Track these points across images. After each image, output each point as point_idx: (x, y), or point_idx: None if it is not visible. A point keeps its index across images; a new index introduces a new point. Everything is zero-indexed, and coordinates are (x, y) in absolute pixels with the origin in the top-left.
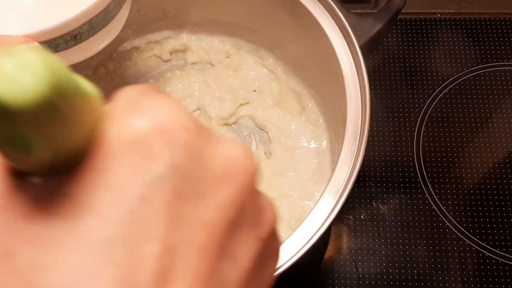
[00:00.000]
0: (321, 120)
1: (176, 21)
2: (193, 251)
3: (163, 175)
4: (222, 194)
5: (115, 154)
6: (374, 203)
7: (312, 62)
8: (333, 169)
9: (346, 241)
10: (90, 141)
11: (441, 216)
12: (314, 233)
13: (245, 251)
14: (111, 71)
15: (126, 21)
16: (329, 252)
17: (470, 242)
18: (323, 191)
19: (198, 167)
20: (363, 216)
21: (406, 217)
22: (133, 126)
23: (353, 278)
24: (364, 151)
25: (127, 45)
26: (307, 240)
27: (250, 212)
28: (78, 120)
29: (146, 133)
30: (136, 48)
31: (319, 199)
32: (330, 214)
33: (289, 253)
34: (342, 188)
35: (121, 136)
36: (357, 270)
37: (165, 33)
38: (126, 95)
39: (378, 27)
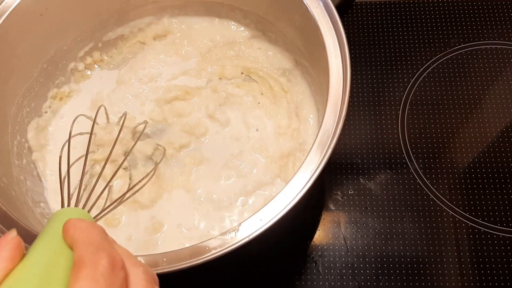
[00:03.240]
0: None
1: (156, 6)
2: None
3: None
4: None
5: None
6: (361, 179)
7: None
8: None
9: (334, 215)
10: None
11: (426, 190)
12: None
13: None
14: (98, 60)
15: (108, 10)
16: (319, 226)
17: (453, 213)
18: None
19: None
20: (351, 191)
21: (392, 191)
22: None
23: (342, 249)
24: (348, 102)
25: (112, 35)
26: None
27: None
28: None
29: None
30: (120, 37)
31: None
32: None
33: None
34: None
35: None
36: (345, 243)
37: (147, 19)
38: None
39: None
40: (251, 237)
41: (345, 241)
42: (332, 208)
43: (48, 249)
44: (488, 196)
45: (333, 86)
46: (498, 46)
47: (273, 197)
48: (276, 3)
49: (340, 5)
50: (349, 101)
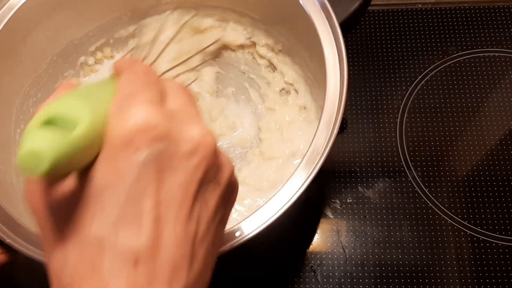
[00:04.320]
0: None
1: (170, 7)
2: (175, 203)
3: (147, 161)
4: (190, 164)
5: (114, 153)
6: (360, 187)
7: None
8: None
9: (333, 224)
10: (101, 141)
11: (424, 198)
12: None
13: (211, 196)
14: (108, 56)
15: (122, 8)
16: (317, 235)
17: (452, 222)
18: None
19: (171, 149)
20: (349, 200)
21: (391, 200)
22: (121, 132)
23: (340, 258)
24: (342, 113)
25: (123, 32)
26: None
27: (213, 170)
28: (83, 157)
29: (130, 135)
30: (131, 35)
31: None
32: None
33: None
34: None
35: (115, 140)
36: (344, 251)
37: (159, 19)
38: (120, 94)
39: (357, 3)
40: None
41: (344, 250)
42: (331, 216)
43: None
44: (487, 204)
45: (328, 105)
46: (497, 54)
47: (248, 215)
48: (283, 15)
49: (345, 22)
50: (341, 120)
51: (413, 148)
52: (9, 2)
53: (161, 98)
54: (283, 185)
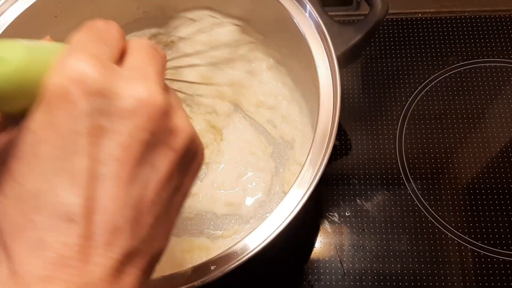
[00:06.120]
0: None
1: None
2: (113, 162)
3: (83, 114)
4: (131, 123)
5: (49, 104)
6: (358, 200)
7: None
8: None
9: (331, 238)
10: (41, 89)
11: (424, 211)
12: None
13: (161, 160)
14: None
15: (126, 17)
16: (314, 249)
17: (452, 236)
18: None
19: (110, 106)
20: (348, 213)
21: (390, 213)
22: (58, 81)
23: (338, 273)
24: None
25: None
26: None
27: (163, 133)
28: (16, 102)
29: (67, 87)
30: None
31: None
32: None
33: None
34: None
35: (51, 90)
36: (342, 266)
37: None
38: (69, 46)
39: (358, 36)
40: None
41: (342, 264)
42: (329, 230)
43: None
44: (488, 218)
45: (318, 134)
46: (498, 64)
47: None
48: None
49: (342, 55)
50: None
51: (412, 160)
52: (10, 7)
53: (117, 56)
54: (280, 203)
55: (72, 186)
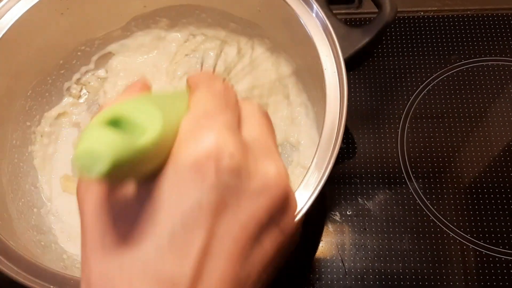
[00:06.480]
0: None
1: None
2: (229, 240)
3: (212, 189)
4: (256, 204)
5: (180, 173)
6: (359, 199)
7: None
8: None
9: (332, 237)
10: (165, 160)
11: (426, 211)
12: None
13: (271, 241)
14: None
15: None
16: (316, 247)
17: (454, 235)
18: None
19: (240, 185)
20: (349, 212)
21: (391, 212)
22: (193, 153)
23: (340, 272)
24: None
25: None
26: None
27: (279, 215)
28: (144, 167)
29: (201, 160)
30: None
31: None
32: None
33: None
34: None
35: (184, 160)
36: (343, 265)
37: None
38: (194, 111)
39: (366, 39)
40: None
41: (343, 263)
42: (330, 229)
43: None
44: (490, 217)
45: (324, 138)
46: (500, 63)
47: None
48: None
49: (350, 58)
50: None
51: (414, 159)
52: (16, 4)
53: (238, 123)
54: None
55: (184, 257)
